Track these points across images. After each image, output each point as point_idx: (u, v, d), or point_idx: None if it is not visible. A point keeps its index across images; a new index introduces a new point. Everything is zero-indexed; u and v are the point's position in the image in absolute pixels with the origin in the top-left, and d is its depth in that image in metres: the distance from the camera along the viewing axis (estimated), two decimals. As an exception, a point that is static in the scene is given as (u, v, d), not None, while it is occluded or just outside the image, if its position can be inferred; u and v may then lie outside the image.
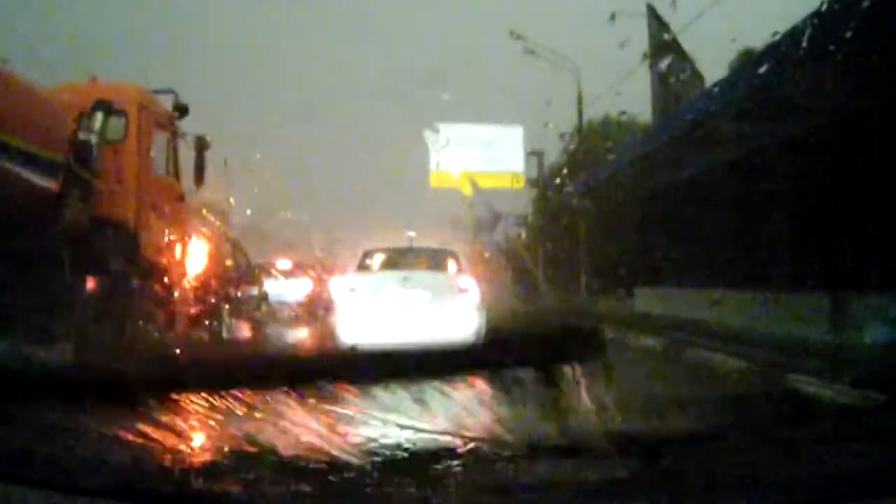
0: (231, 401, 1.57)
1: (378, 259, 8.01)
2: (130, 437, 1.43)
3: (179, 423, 1.54)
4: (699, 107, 11.60)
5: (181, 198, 7.24)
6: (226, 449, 1.49)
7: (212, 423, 1.58)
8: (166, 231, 6.85)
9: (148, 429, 1.47)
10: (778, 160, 10.35)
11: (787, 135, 9.80)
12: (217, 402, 1.54)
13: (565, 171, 24.15)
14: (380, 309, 6.96)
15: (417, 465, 1.47)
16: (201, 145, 7.20)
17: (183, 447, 1.49)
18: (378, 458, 1.46)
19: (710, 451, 1.60)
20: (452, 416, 1.76)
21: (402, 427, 1.63)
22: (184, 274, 7.21)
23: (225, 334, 10.13)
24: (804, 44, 7.77)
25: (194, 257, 9.14)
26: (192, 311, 8.72)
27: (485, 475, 1.43)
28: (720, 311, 12.36)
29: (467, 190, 29.09)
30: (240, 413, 1.58)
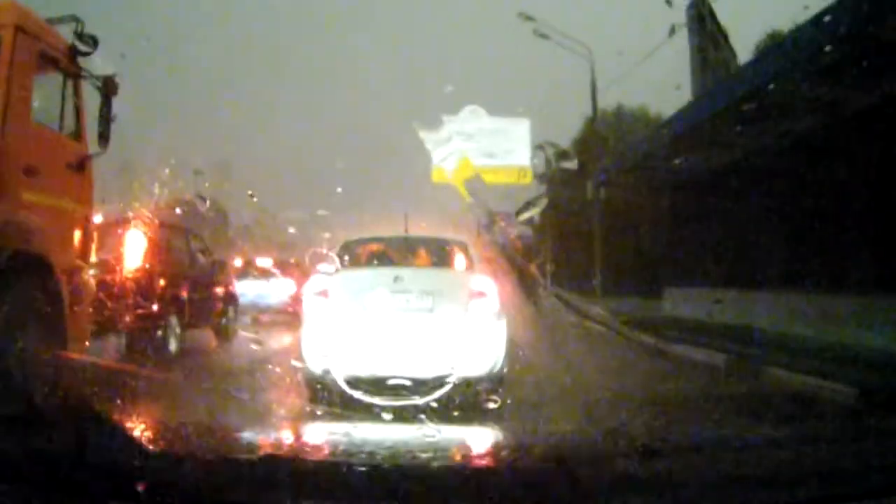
0: (230, 404, 1.96)
1: (361, 253, 5.88)
2: (131, 437, 1.47)
3: (179, 425, 1.73)
4: (762, 68, 9.51)
5: (81, 162, 5.15)
6: (225, 450, 1.56)
7: (211, 424, 1.88)
8: (54, 206, 4.79)
9: (148, 429, 1.58)
10: (865, 132, 8.35)
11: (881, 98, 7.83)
12: (216, 404, 1.93)
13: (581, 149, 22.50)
14: (360, 321, 4.90)
15: (418, 464, 1.47)
16: (108, 88, 5.13)
17: (182, 448, 1.53)
18: (376, 458, 1.48)
19: (710, 451, 1.59)
20: (453, 418, 2.06)
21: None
22: (87, 268, 5.15)
23: (173, 348, 8.09)
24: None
25: (115, 248, 7.19)
26: (114, 320, 6.79)
27: (485, 475, 1.43)
28: (780, 317, 10.40)
29: (464, 193, 28.24)
30: (239, 415, 2.05)
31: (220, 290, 9.85)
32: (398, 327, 4.83)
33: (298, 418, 4.61)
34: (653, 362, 7.80)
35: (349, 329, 4.88)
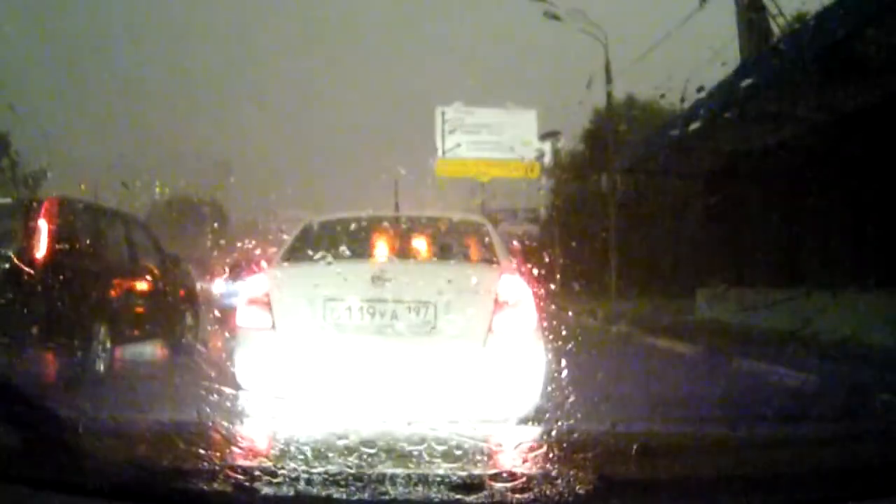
0: (229, 402, 1.80)
1: (328, 240, 3.92)
2: (131, 437, 1.53)
3: (178, 424, 1.64)
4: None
5: None
6: (225, 450, 1.52)
7: (210, 423, 1.66)
8: None
9: (148, 429, 1.61)
10: None
11: None
12: (215, 402, 1.72)
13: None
14: (315, 350, 3.11)
15: (417, 461, 1.46)
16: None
17: (182, 448, 1.50)
18: (378, 459, 1.45)
19: (711, 452, 1.60)
20: (452, 419, 1.72)
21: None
22: None
23: (101, 368, 6.28)
24: None
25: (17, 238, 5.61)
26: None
27: (482, 477, 1.38)
28: (867, 323, 8.65)
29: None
30: (237, 414, 1.77)
31: (173, 293, 8.01)
32: (377, 360, 3.05)
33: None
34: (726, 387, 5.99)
35: (297, 362, 3.09)
